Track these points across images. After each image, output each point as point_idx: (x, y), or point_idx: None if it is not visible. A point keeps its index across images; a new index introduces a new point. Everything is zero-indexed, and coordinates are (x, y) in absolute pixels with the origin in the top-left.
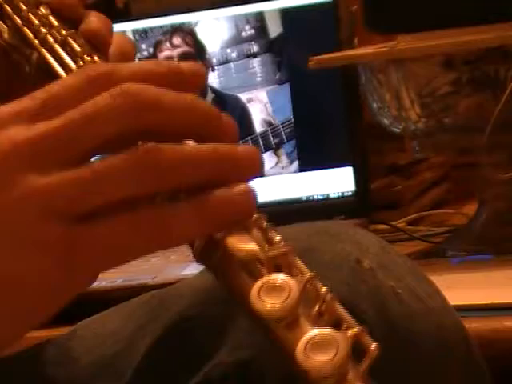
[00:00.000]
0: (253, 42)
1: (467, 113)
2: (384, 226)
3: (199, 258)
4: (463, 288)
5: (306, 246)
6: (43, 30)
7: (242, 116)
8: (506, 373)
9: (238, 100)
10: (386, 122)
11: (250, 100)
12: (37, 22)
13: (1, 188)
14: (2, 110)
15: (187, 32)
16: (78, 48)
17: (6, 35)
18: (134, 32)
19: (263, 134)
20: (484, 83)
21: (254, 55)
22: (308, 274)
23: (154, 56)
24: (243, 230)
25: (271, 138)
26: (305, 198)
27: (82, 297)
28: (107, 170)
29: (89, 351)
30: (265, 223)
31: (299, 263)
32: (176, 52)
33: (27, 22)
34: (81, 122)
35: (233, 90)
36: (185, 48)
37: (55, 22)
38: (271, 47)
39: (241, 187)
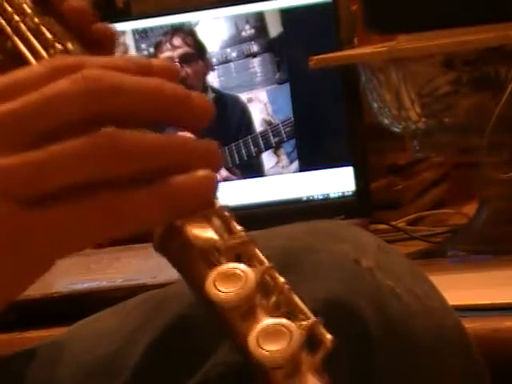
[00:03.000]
0: (253, 42)
1: (467, 113)
2: (384, 226)
3: (158, 246)
4: (463, 288)
5: (304, 245)
6: (16, 17)
7: (242, 116)
8: (506, 373)
9: (238, 100)
10: (386, 121)
11: (250, 100)
12: (10, 9)
13: None
14: None
15: (187, 32)
16: (49, 36)
17: None
18: (134, 32)
19: (263, 134)
20: (484, 83)
21: (254, 55)
22: (266, 265)
23: (154, 56)
24: (203, 218)
25: (271, 138)
26: (305, 198)
27: (82, 297)
28: (63, 153)
29: (87, 350)
30: (226, 213)
31: (259, 254)
32: (176, 53)
33: (1, 10)
34: (38, 103)
35: (233, 90)
36: (185, 49)
37: (29, 10)
38: (271, 47)
39: (200, 173)
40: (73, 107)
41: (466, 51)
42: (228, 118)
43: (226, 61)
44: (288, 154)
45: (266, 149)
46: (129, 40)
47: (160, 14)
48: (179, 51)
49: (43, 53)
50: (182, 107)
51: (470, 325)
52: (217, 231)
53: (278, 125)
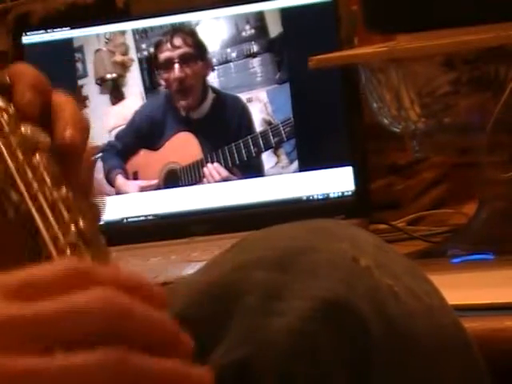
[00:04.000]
0: (253, 42)
1: (467, 113)
2: (384, 226)
3: None
4: (463, 288)
5: (303, 244)
6: (35, 185)
7: (242, 116)
8: (506, 373)
9: (237, 100)
10: (385, 121)
11: (249, 100)
12: (30, 174)
13: None
14: None
15: (188, 32)
16: (66, 215)
17: None
18: (134, 32)
19: (263, 134)
20: (484, 83)
21: (254, 55)
22: None
23: (154, 56)
24: None
25: (271, 138)
26: (305, 198)
27: None
28: (73, 365)
29: None
30: None
31: None
32: (176, 53)
33: (21, 172)
34: (53, 318)
35: (233, 90)
36: (185, 49)
37: (48, 181)
38: (271, 47)
39: None
40: (85, 326)
41: (466, 51)
42: (228, 118)
43: (226, 61)
44: (288, 154)
45: (266, 149)
46: (129, 40)
47: (160, 14)
48: (179, 51)
49: (57, 229)
50: (171, 341)
51: (470, 324)
52: None
53: (277, 125)
